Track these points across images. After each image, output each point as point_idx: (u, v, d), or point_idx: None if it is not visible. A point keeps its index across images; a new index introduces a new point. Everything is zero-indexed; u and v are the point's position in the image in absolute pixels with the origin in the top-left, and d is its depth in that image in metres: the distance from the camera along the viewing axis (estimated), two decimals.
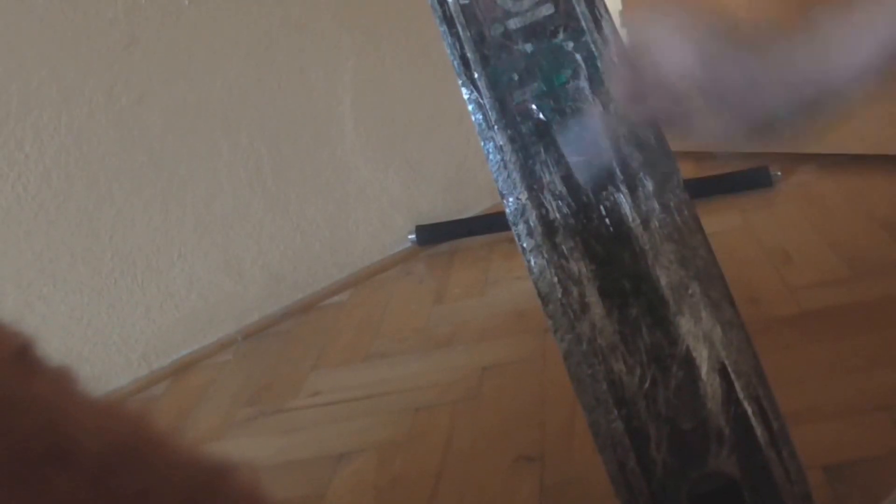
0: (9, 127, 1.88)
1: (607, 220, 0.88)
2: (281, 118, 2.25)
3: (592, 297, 0.88)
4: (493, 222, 2.39)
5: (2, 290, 1.92)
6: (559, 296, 0.89)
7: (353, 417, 1.72)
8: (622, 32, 2.67)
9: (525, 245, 0.90)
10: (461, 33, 0.92)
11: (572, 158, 0.88)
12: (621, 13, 2.57)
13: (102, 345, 2.06)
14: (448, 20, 0.92)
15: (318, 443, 1.66)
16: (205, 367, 2.14)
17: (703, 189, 2.31)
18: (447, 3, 0.92)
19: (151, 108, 2.05)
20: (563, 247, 0.89)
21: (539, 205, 0.90)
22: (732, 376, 0.86)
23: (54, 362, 0.40)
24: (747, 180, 2.30)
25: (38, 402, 0.36)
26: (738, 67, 0.69)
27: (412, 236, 2.50)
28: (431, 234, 2.50)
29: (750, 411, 0.85)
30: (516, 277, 2.13)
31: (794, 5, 0.75)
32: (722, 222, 2.13)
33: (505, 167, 0.90)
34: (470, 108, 0.91)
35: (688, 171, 2.45)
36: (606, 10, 0.90)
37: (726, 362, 0.86)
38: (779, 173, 2.27)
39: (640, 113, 0.80)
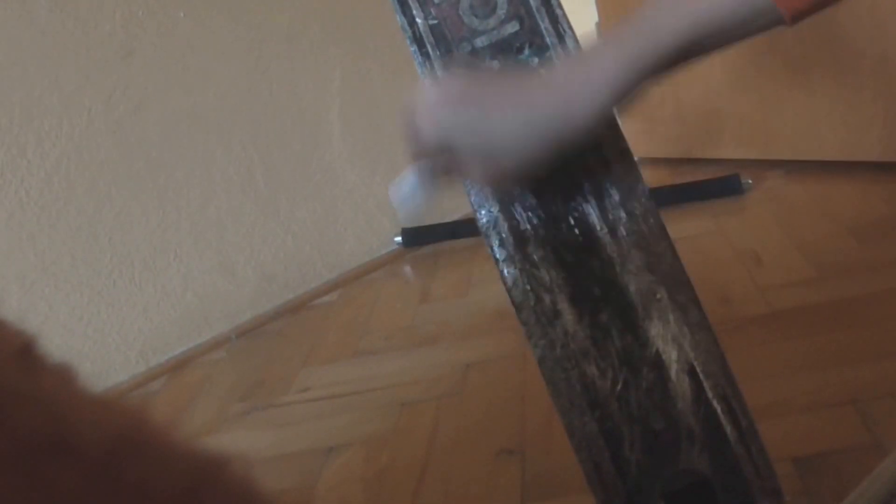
0: (12, 134, 1.87)
1: (576, 230, 0.87)
2: (272, 125, 2.25)
3: (564, 303, 0.87)
4: (475, 226, 2.39)
5: (6, 290, 1.91)
6: (532, 303, 0.88)
7: (341, 412, 1.71)
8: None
9: (498, 256, 0.90)
10: (431, 53, 0.91)
11: None
12: (597, 24, 2.58)
13: (102, 342, 2.05)
14: (418, 40, 0.91)
15: (308, 436, 1.66)
16: (200, 364, 2.13)
17: (679, 196, 2.30)
18: (416, 23, 0.91)
19: (148, 116, 2.05)
20: (535, 256, 0.88)
21: (510, 216, 0.89)
22: (701, 377, 0.85)
23: (56, 359, 0.40)
24: (720, 187, 2.30)
25: (42, 397, 0.35)
26: (479, 131, 0.75)
27: (398, 238, 2.49)
28: (417, 237, 2.50)
29: (719, 410, 0.84)
30: (498, 279, 2.13)
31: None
32: (696, 227, 2.13)
33: None
34: None
35: (664, 178, 2.47)
36: (569, 26, 0.88)
37: (695, 363, 0.85)
38: (749, 181, 2.28)
39: (422, 166, 0.83)
